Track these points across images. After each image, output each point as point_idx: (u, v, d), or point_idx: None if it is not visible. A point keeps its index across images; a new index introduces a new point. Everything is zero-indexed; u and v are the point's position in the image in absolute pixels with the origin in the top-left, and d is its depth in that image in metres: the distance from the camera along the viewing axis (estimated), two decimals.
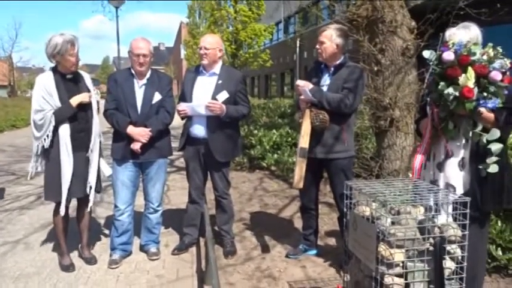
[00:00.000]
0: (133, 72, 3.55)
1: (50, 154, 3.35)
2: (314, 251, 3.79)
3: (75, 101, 3.32)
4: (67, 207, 3.46)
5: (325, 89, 3.40)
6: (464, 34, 2.60)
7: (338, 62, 3.44)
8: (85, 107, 3.42)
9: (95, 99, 3.57)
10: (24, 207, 5.29)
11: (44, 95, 3.28)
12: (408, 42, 5.09)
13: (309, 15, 21.02)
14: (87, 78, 3.58)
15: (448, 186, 2.56)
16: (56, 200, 3.42)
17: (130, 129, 3.46)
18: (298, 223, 4.65)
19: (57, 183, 3.35)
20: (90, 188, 3.49)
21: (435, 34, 4.72)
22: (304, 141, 3.28)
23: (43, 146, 3.32)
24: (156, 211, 3.77)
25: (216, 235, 4.01)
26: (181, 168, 7.42)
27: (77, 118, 3.37)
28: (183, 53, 33.34)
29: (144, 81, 3.56)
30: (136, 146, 3.48)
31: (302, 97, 3.40)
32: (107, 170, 3.63)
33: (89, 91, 3.49)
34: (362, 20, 5.25)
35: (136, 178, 3.67)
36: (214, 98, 3.57)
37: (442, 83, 2.38)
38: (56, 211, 3.47)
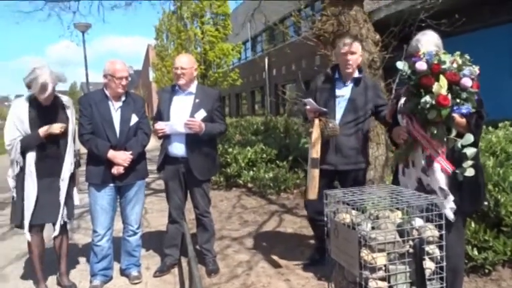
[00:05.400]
0: (107, 94, 3.53)
1: (18, 179, 3.34)
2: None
3: (43, 131, 3.28)
4: (40, 233, 3.46)
5: (344, 100, 3.44)
6: (427, 40, 2.73)
7: (356, 74, 3.49)
8: (57, 135, 3.36)
9: (73, 127, 3.49)
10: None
11: (16, 121, 3.27)
12: (374, 55, 5.29)
13: (275, 33, 21.43)
14: (68, 104, 3.51)
15: (441, 190, 2.61)
16: (17, 224, 3.40)
17: (112, 154, 3.42)
18: (279, 238, 4.68)
19: (21, 207, 3.34)
20: (62, 216, 3.44)
21: (399, 46, 4.92)
22: (315, 151, 3.27)
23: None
24: (135, 233, 3.73)
25: (197, 254, 3.99)
26: (158, 190, 7.35)
27: (45, 145, 3.33)
28: (151, 75, 33.20)
29: (120, 103, 3.54)
30: (119, 170, 3.45)
31: (308, 107, 3.38)
32: (75, 199, 3.60)
33: (67, 119, 3.44)
34: (329, 35, 5.42)
35: (115, 202, 3.63)
36: (192, 116, 3.60)
37: (427, 97, 2.42)
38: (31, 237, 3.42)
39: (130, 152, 3.47)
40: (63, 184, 3.41)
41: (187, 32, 19.51)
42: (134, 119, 3.54)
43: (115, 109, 3.52)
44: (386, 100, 3.50)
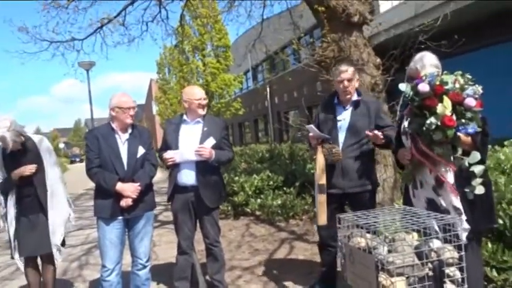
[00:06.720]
0: (114, 127, 3.52)
1: (4, 218, 3.71)
2: None
3: (15, 174, 3.54)
4: (35, 264, 3.79)
5: (345, 123, 3.46)
6: (426, 62, 2.75)
7: (355, 97, 3.50)
8: (33, 173, 3.59)
9: (52, 165, 3.75)
10: (6, 279, 5.03)
11: None
12: (376, 78, 5.32)
13: (276, 61, 21.72)
14: (40, 144, 3.72)
15: (455, 208, 2.56)
16: (11, 257, 3.74)
17: (120, 186, 3.40)
18: (291, 265, 4.60)
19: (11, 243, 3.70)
20: (56, 246, 3.73)
21: (401, 68, 4.95)
22: (320, 177, 3.30)
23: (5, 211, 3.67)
24: (144, 267, 3.66)
25: (208, 286, 3.91)
26: (166, 222, 7.29)
27: (21, 185, 3.59)
28: (155, 109, 33.59)
29: (127, 136, 3.54)
30: (127, 202, 3.41)
31: (311, 134, 3.44)
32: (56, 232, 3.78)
33: (37, 158, 3.63)
34: (330, 61, 5.47)
35: (123, 235, 3.58)
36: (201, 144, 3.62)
37: (432, 118, 2.41)
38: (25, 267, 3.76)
39: (138, 184, 3.45)
40: (50, 216, 3.67)
41: (189, 65, 19.82)
42: (141, 150, 3.54)
43: (122, 142, 3.52)
44: (389, 120, 3.49)
